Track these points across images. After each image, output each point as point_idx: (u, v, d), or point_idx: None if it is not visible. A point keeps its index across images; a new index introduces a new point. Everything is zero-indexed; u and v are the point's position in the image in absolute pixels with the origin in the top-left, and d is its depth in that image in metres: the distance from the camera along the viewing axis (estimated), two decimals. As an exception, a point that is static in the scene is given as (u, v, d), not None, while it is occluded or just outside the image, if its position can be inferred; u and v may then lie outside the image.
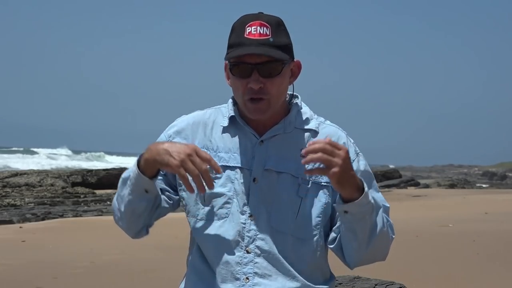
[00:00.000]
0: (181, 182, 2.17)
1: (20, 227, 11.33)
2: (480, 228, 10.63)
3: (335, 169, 1.95)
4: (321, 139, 1.99)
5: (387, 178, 30.32)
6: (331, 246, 2.19)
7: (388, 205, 2.22)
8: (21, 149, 56.96)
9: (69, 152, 57.10)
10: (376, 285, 4.89)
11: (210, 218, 2.16)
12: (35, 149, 57.21)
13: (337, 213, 2.13)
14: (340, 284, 4.85)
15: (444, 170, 58.25)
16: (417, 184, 30.56)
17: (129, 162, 39.63)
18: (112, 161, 50.32)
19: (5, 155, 46.84)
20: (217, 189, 2.15)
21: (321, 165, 1.97)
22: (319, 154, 1.95)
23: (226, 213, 2.14)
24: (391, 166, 54.29)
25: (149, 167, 2.07)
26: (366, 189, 2.03)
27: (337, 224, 2.16)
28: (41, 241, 9.49)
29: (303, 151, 1.97)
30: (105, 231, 10.38)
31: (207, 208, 2.16)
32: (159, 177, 2.19)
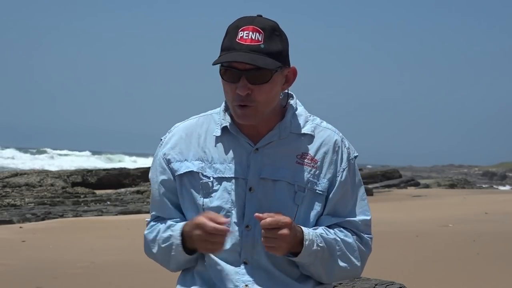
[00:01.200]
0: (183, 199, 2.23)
1: (20, 227, 11.32)
2: (480, 228, 10.61)
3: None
4: (266, 220, 2.02)
5: (387, 178, 30.29)
6: None
7: (369, 217, 2.22)
8: (34, 150, 56.51)
9: (88, 153, 56.55)
10: (376, 285, 4.88)
11: None
12: (48, 149, 56.71)
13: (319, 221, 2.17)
14: (340, 284, 4.84)
15: (444, 170, 58.17)
16: (417, 184, 30.55)
17: (146, 163, 38.58)
18: (129, 162, 49.22)
19: (23, 155, 46.78)
20: (214, 202, 2.15)
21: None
22: (263, 232, 2.03)
23: (227, 227, 2.13)
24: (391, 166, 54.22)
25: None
26: (306, 242, 2.06)
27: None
28: (41, 241, 9.48)
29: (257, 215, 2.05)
30: (105, 231, 10.39)
31: None
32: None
